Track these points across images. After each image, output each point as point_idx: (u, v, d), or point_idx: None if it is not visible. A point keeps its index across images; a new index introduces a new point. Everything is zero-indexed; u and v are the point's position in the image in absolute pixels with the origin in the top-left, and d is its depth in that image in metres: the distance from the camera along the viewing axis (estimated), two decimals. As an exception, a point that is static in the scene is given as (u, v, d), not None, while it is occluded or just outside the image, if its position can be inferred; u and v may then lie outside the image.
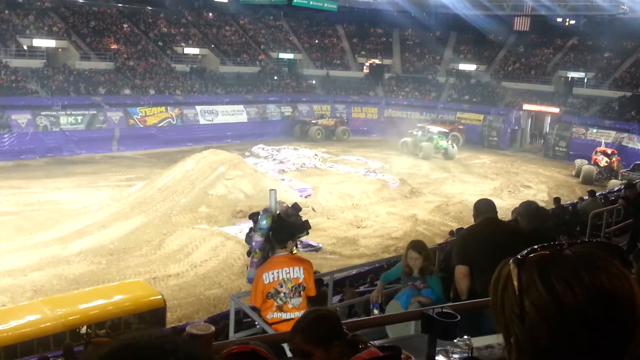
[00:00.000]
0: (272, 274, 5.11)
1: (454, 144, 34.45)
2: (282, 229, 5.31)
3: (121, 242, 17.39)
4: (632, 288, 0.93)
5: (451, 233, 14.04)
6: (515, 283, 0.96)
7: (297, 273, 5.13)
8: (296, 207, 5.56)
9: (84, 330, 10.74)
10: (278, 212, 5.43)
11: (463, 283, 4.79)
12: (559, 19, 43.04)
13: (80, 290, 13.42)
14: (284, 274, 5.11)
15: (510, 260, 0.99)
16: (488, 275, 3.70)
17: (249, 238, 5.51)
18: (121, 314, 11.30)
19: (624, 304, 0.91)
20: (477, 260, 4.69)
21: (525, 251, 0.99)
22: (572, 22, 44.48)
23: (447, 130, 35.53)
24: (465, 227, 5.40)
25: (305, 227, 5.54)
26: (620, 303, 0.91)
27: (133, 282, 13.59)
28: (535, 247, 0.99)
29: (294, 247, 5.45)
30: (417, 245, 5.45)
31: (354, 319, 4.50)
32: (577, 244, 0.99)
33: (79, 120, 30.64)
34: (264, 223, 5.36)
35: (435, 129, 35.11)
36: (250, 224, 5.62)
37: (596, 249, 0.98)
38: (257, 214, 5.52)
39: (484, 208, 5.12)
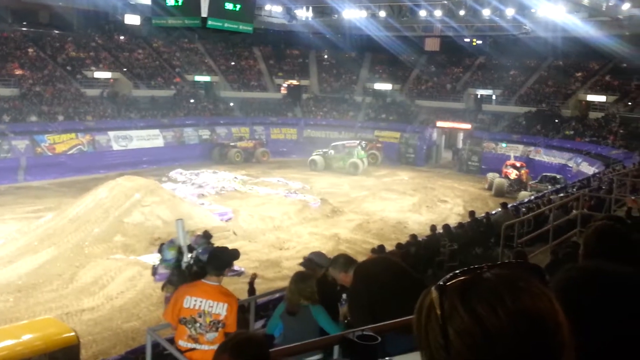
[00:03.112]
0: (196, 300, 4.86)
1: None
2: (220, 256, 5.07)
3: (30, 277, 16.35)
4: (554, 307, 0.90)
5: (373, 251, 14.13)
6: (438, 311, 0.90)
7: (219, 309, 4.89)
8: (206, 235, 5.37)
9: (-11, 375, 9.96)
10: (189, 242, 5.20)
11: None
12: (467, 40, 44.97)
13: (-16, 331, 12.46)
14: (206, 305, 4.86)
15: (432, 288, 0.94)
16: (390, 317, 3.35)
17: (153, 270, 5.25)
18: (31, 354, 10.58)
19: (548, 324, 0.88)
20: (380, 313, 3.89)
21: (446, 277, 0.94)
22: (479, 42, 46.60)
23: (360, 142, 37.16)
24: (349, 289, 4.45)
25: (237, 254, 5.33)
26: (544, 323, 0.88)
27: (43, 320, 12.78)
28: (457, 272, 0.94)
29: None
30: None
31: (284, 346, 4.33)
32: (497, 266, 0.95)
33: (-19, 150, 28.92)
34: (169, 254, 5.11)
35: (351, 142, 36.63)
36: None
37: (516, 270, 0.94)
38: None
39: (345, 259, 4.71)
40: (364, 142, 37.04)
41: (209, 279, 4.96)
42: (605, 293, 1.16)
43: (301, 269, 5.54)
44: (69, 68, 38.05)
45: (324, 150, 36.25)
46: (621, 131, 34.26)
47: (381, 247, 12.81)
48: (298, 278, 5.01)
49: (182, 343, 4.90)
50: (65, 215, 20.20)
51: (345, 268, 4.58)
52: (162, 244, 5.29)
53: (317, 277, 5.26)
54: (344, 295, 5.11)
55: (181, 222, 5.36)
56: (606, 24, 35.27)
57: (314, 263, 5.43)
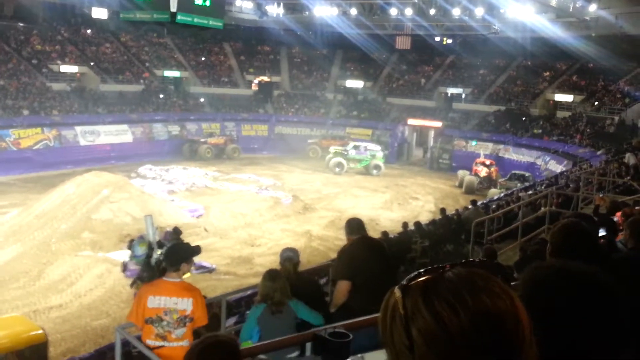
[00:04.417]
0: (159, 299, 4.81)
1: None
2: (175, 251, 5.03)
3: (-6, 274, 16.01)
4: (514, 305, 0.91)
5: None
6: (402, 311, 0.90)
7: (185, 305, 4.85)
8: (177, 231, 5.33)
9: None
10: (158, 238, 5.15)
11: (343, 298, 4.91)
12: (437, 38, 45.33)
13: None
14: (171, 303, 4.82)
15: (396, 287, 0.94)
16: (368, 292, 3.79)
17: (123, 267, 5.19)
18: (-2, 353, 10.41)
19: (508, 322, 0.89)
20: (359, 277, 4.87)
21: (410, 276, 0.94)
22: (449, 41, 47.02)
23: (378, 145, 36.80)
24: (345, 245, 5.43)
25: (197, 250, 5.29)
26: (504, 322, 0.89)
27: (10, 317, 12.50)
28: (421, 271, 0.95)
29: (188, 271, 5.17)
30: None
31: (255, 344, 4.31)
32: (459, 264, 0.95)
33: (-56, 145, 28.17)
34: (139, 250, 5.06)
35: (372, 146, 36.08)
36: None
37: (477, 268, 0.95)
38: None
39: (357, 226, 5.32)
40: (384, 147, 36.90)
41: (169, 275, 4.92)
42: (568, 293, 1.17)
43: (274, 266, 5.56)
44: (34, 62, 37.27)
45: (340, 149, 35.05)
46: (588, 130, 34.94)
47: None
48: (273, 276, 4.99)
49: (150, 342, 4.85)
50: (31, 212, 19.80)
51: (351, 232, 5.32)
52: (132, 240, 5.24)
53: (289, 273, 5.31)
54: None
55: (150, 218, 5.30)
56: (573, 25, 35.90)
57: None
